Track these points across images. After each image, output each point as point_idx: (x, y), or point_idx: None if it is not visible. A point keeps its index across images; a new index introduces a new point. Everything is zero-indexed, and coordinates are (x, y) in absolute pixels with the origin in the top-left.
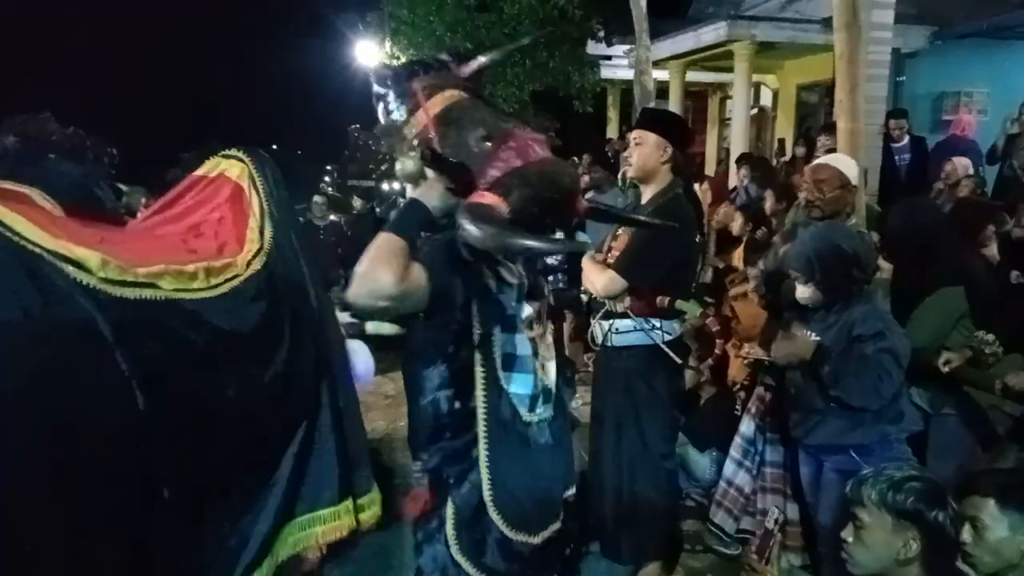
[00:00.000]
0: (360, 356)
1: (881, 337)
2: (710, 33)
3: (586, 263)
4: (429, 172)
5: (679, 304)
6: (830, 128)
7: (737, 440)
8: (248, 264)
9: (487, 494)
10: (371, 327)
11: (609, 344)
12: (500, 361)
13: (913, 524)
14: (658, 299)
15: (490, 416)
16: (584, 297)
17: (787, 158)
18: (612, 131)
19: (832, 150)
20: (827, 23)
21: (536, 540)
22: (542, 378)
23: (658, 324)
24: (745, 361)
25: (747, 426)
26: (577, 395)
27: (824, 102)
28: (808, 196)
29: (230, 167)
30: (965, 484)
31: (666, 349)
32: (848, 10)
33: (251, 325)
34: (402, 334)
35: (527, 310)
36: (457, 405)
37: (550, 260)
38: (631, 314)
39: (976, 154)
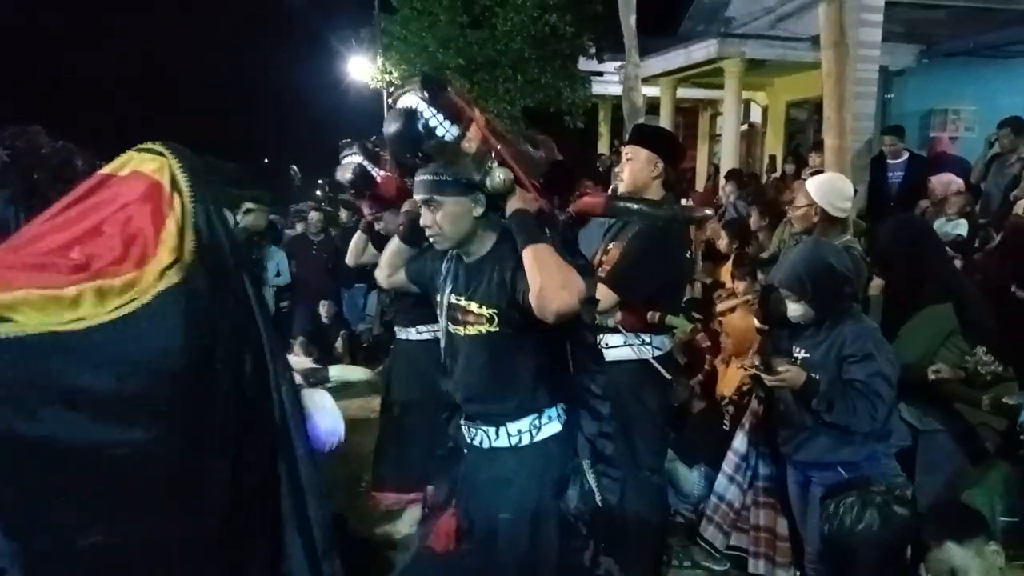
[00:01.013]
0: (323, 412)
1: (871, 359)
2: (701, 50)
3: None
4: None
5: (669, 319)
6: (821, 146)
7: (730, 455)
8: (162, 275)
9: None
10: (336, 373)
11: None
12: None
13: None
14: (648, 314)
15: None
16: None
17: (777, 174)
18: (603, 146)
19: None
20: (816, 41)
21: None
22: None
23: (648, 339)
24: (748, 373)
25: (740, 441)
26: None
27: (813, 119)
28: (792, 214)
29: (145, 162)
30: (929, 541)
31: (656, 364)
32: (835, 29)
33: (160, 362)
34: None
35: None
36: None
37: None
38: (621, 329)
39: (965, 171)
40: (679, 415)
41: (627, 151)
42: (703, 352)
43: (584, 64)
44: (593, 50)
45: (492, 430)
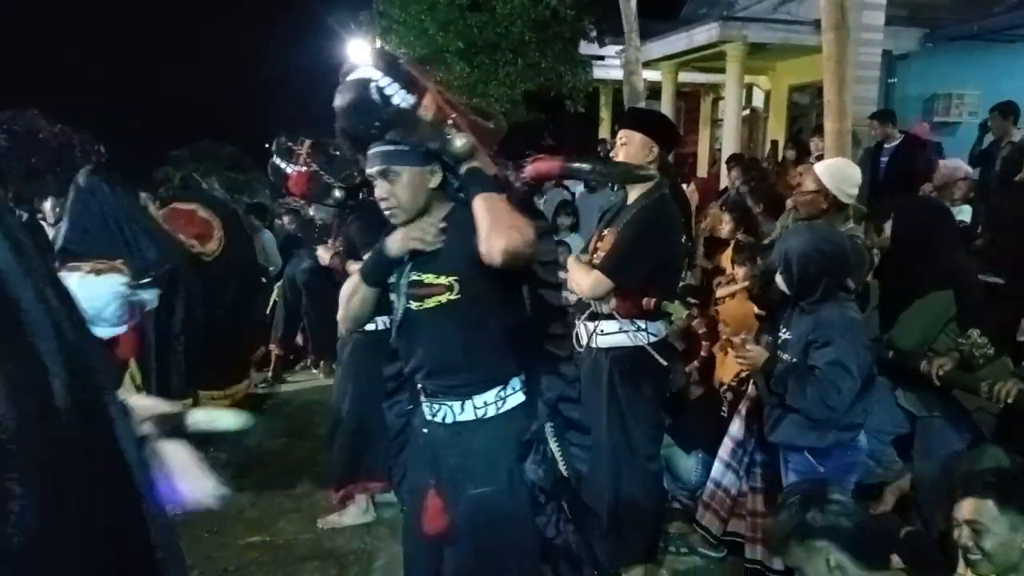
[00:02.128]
0: (182, 470)
1: (829, 346)
2: (702, 34)
3: (571, 264)
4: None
5: (665, 305)
6: (823, 130)
7: (726, 441)
8: None
9: None
10: (200, 419)
11: (594, 345)
12: None
13: (813, 538)
14: (644, 300)
15: None
16: (570, 298)
17: (779, 159)
18: (604, 131)
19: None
20: (819, 25)
21: None
22: None
23: (643, 325)
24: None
25: (737, 427)
26: None
27: (816, 103)
28: (795, 200)
29: None
30: (959, 487)
31: (651, 351)
32: (836, 11)
33: None
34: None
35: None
36: None
37: None
38: (617, 315)
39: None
40: (676, 401)
41: (621, 135)
42: (700, 338)
43: (585, 48)
44: (594, 33)
45: (457, 404)
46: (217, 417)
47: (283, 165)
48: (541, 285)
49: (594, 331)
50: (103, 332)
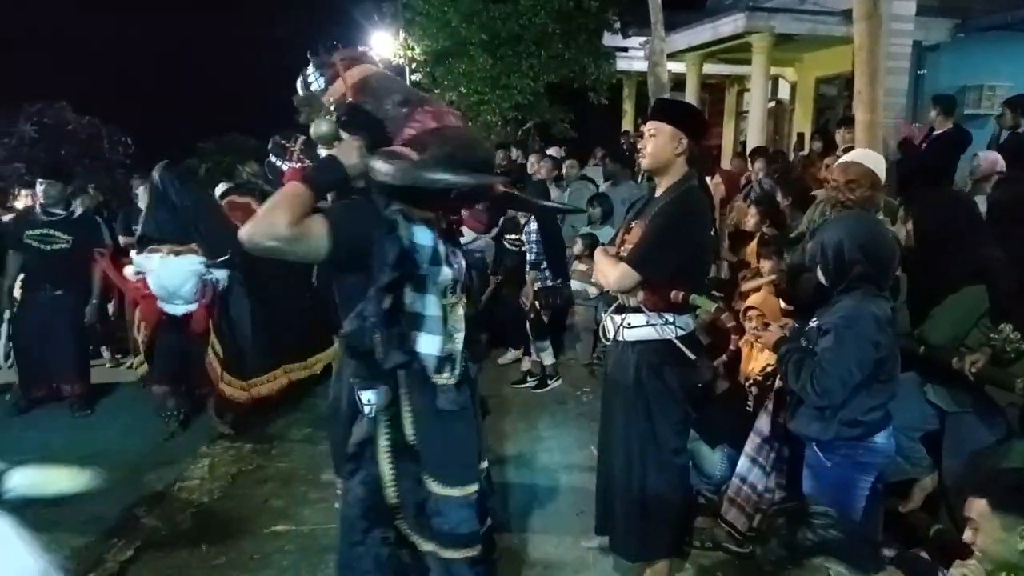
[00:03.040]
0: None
1: (829, 334)
2: (728, 25)
3: (599, 256)
4: (345, 135)
5: (693, 299)
6: (849, 121)
7: (752, 436)
8: None
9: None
10: (17, 482)
11: (621, 338)
12: (410, 319)
13: (807, 556)
14: (672, 293)
15: (407, 371)
16: (594, 291)
17: (805, 152)
18: (628, 123)
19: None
20: (847, 15)
21: (458, 493)
22: (449, 345)
23: (671, 319)
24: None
25: (763, 422)
26: (587, 388)
27: (843, 95)
28: (839, 197)
29: None
30: (969, 487)
31: (679, 344)
32: (868, 1)
33: None
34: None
35: (444, 275)
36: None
37: (533, 256)
38: (644, 308)
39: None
40: (702, 396)
41: (649, 127)
42: (727, 332)
43: (609, 39)
44: (618, 25)
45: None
46: (44, 480)
47: (278, 162)
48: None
49: (621, 324)
50: (178, 309)
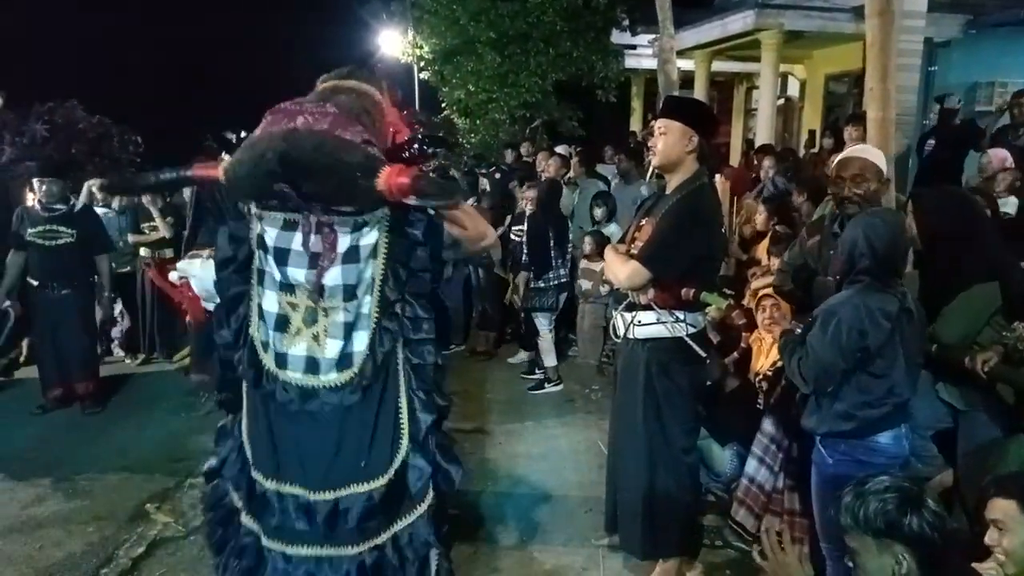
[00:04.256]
0: None
1: (815, 322)
2: (737, 22)
3: (609, 254)
4: None
5: (704, 296)
6: (858, 119)
7: (759, 436)
8: None
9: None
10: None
11: (631, 336)
12: (256, 309)
13: (894, 539)
14: (683, 291)
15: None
16: (604, 289)
17: (815, 150)
18: (636, 121)
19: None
20: (857, 11)
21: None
22: (291, 344)
23: (682, 316)
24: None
25: (769, 421)
26: (596, 386)
27: (853, 92)
28: (843, 193)
29: None
30: (988, 487)
31: (690, 342)
32: None
33: None
34: None
35: (292, 276)
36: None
37: (524, 256)
38: (654, 306)
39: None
40: (712, 393)
41: (660, 125)
42: (738, 330)
43: (617, 37)
44: (626, 22)
45: None
46: None
47: None
48: None
49: (631, 322)
50: None
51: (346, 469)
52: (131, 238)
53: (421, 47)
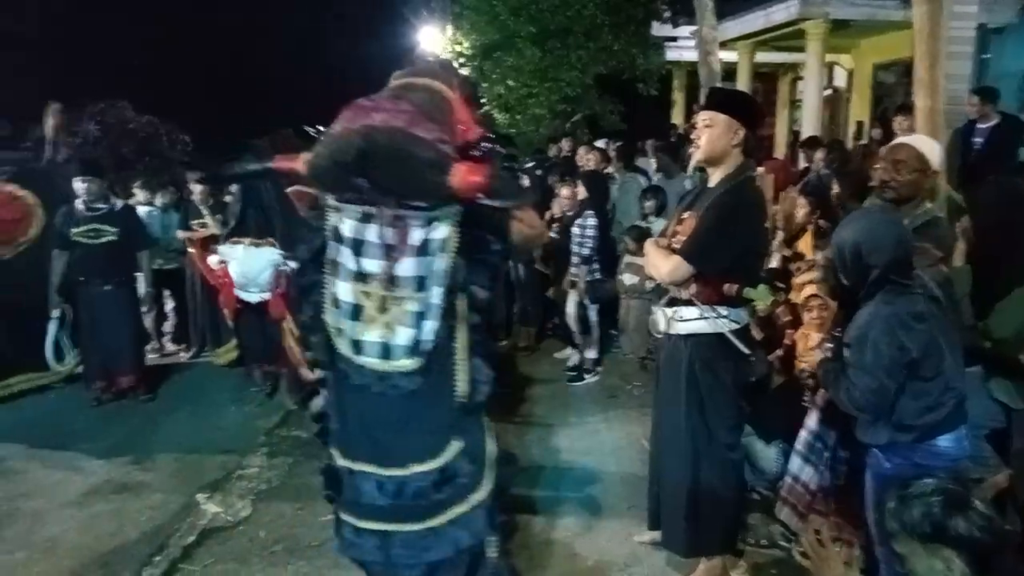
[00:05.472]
0: None
1: (851, 346)
2: (781, 12)
3: (650, 248)
4: None
5: (746, 292)
6: (907, 108)
7: (802, 433)
8: None
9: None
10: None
11: (673, 332)
12: (330, 297)
13: (942, 543)
14: (725, 286)
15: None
16: (649, 284)
17: (864, 141)
18: (677, 114)
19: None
20: None
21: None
22: (365, 331)
23: (724, 312)
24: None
25: (813, 419)
26: (639, 382)
27: (902, 82)
28: (883, 176)
29: None
30: None
31: (732, 338)
32: None
33: None
34: None
35: (367, 266)
36: None
37: (583, 250)
38: (696, 301)
39: None
40: (757, 390)
41: (705, 117)
42: (783, 327)
43: (658, 29)
44: (668, 14)
45: None
46: None
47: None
48: None
49: (673, 317)
50: (252, 296)
51: (413, 449)
52: (180, 234)
53: (461, 43)
